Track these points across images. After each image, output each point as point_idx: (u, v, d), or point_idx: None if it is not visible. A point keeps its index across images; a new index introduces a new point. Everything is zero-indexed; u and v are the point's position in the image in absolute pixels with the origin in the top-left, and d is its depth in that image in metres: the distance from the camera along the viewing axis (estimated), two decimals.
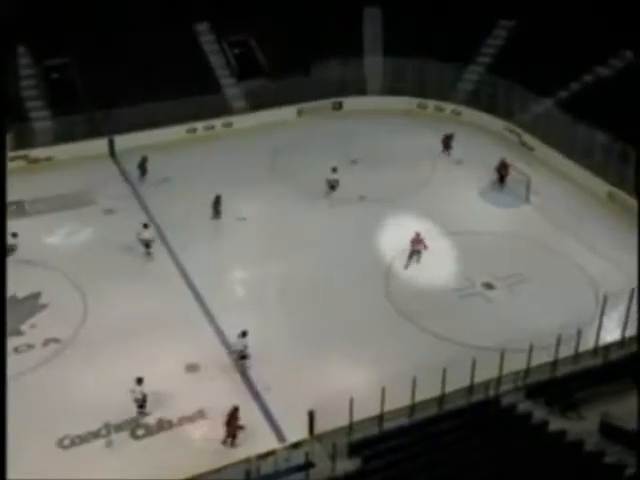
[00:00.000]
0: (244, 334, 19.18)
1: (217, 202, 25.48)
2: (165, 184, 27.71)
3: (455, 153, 30.04)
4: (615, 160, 26.85)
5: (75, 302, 21.73)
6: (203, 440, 17.62)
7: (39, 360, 19.69)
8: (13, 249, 22.83)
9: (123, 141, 29.96)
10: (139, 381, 17.85)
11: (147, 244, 23.65)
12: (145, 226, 23.87)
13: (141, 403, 17.94)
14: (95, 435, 17.60)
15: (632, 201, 26.07)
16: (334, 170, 27.07)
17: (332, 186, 26.95)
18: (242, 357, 19.36)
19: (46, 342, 20.31)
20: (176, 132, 30.65)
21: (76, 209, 26.23)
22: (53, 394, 18.58)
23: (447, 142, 30.17)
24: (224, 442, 17.20)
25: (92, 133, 29.68)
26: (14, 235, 22.87)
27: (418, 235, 23.62)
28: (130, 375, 18.51)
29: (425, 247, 23.46)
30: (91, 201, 26.73)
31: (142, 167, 28.11)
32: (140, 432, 17.76)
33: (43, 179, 27.63)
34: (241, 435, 17.32)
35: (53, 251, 23.89)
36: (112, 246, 24.22)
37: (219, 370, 19.56)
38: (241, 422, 17.20)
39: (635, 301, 19.38)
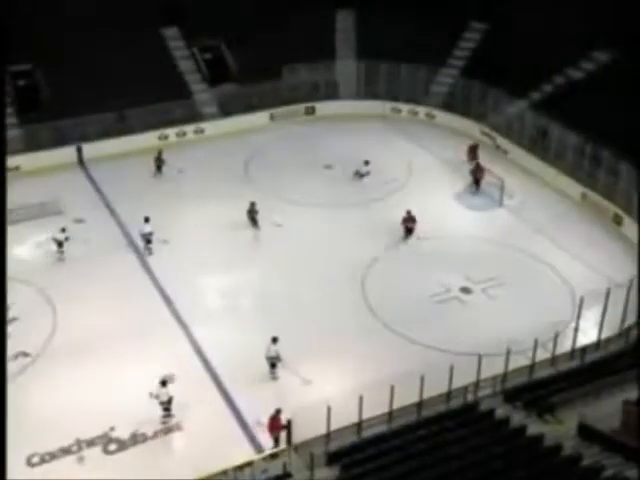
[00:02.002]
0: (275, 340, 19.21)
1: (252, 210, 25.29)
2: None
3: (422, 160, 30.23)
4: (588, 161, 27.24)
5: (45, 315, 21.53)
6: (179, 453, 17.53)
7: (9, 374, 19.27)
8: (63, 242, 23.90)
9: (92, 149, 29.76)
10: (164, 383, 17.97)
11: (148, 239, 24.02)
12: (146, 220, 24.14)
13: (167, 406, 17.96)
14: (66, 451, 17.39)
15: (606, 202, 26.48)
16: (366, 163, 28.47)
17: (361, 175, 28.38)
18: (273, 365, 19.36)
19: (16, 356, 20.07)
20: (147, 139, 30.53)
21: (45, 219, 25.96)
22: (22, 409, 18.23)
23: (473, 153, 29.61)
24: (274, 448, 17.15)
25: (60, 141, 29.44)
26: (63, 230, 23.97)
27: (409, 213, 25.03)
28: (102, 388, 18.42)
29: (414, 222, 25.08)
30: (60, 211, 26.51)
31: (158, 161, 28.63)
32: (112, 447, 17.59)
33: (10, 189, 26.68)
34: (216, 447, 17.26)
35: (22, 263, 23.63)
36: (83, 256, 24.03)
37: (195, 381, 19.46)
38: (283, 422, 17.16)
39: (610, 302, 19.65)
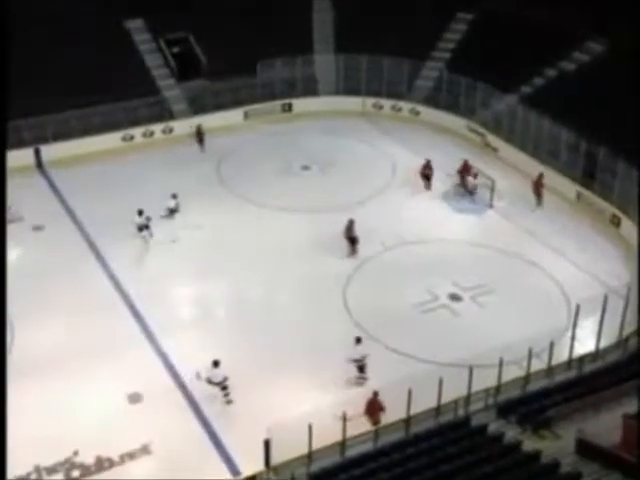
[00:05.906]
0: (359, 340, 19.27)
1: (350, 228, 24.37)
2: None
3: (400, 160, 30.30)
4: (582, 159, 27.40)
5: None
6: (148, 478, 17.32)
7: None
8: (174, 211, 25.81)
9: (51, 151, 29.49)
10: (215, 364, 18.67)
11: (140, 228, 24.83)
12: (140, 213, 24.71)
13: (224, 385, 18.66)
14: None
15: (602, 202, 26.65)
16: (475, 176, 28.37)
17: (472, 193, 28.17)
18: (361, 369, 19.31)
19: None
20: (110, 140, 30.28)
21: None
22: None
23: (539, 187, 27.61)
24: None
25: (16, 143, 29.02)
26: (174, 196, 25.77)
27: (428, 162, 27.89)
28: (64, 410, 18.12)
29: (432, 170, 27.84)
30: (18, 218, 26.20)
31: (199, 135, 30.39)
32: (76, 473, 17.29)
33: None
34: (188, 471, 17.04)
35: None
36: (43, 266, 23.84)
37: (164, 400, 19.24)
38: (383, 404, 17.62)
39: (607, 309, 19.72)
